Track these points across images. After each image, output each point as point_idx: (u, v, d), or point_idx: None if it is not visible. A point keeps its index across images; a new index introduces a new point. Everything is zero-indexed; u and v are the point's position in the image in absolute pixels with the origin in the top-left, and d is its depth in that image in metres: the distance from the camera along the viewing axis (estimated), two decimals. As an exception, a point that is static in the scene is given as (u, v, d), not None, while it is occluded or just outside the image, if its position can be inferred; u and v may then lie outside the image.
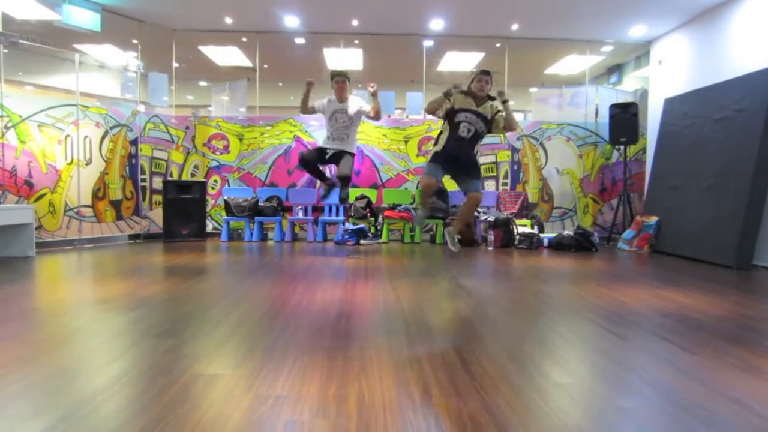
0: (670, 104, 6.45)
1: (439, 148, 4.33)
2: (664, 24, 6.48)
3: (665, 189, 6.19)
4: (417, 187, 7.32)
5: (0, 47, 5.39)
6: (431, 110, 4.36)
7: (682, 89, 6.31)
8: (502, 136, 7.14)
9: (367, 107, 5.25)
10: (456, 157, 4.27)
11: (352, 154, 5.30)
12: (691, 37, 6.27)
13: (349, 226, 6.68)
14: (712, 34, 5.87)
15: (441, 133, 4.41)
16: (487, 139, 7.34)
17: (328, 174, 5.91)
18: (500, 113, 4.34)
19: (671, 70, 6.65)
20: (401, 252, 5.88)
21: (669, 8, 5.94)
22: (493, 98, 4.35)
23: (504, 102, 4.32)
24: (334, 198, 5.73)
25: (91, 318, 2.71)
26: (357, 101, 5.29)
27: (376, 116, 5.32)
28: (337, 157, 5.17)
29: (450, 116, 4.29)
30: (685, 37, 6.40)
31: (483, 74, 4.30)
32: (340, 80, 5.19)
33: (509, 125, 4.39)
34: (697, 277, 4.28)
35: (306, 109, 5.27)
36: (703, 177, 5.54)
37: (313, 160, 5.27)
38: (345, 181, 5.18)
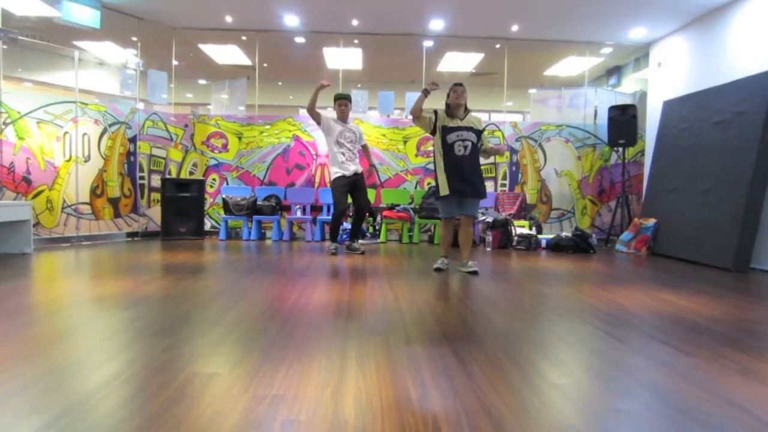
0: (669, 106, 6.46)
1: (442, 179, 4.25)
2: (663, 26, 6.49)
3: (663, 191, 6.20)
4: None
5: (-1, 43, 5.37)
6: (416, 112, 4.26)
7: (681, 92, 6.32)
8: (484, 132, 7.19)
9: (363, 141, 5.65)
10: (462, 176, 4.21)
11: (363, 174, 5.51)
12: (691, 40, 6.28)
13: (348, 225, 6.67)
14: (712, 37, 5.88)
15: (435, 163, 4.34)
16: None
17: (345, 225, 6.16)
18: (485, 133, 4.41)
19: (670, 73, 6.66)
20: (399, 252, 5.88)
21: (668, 11, 5.96)
22: (468, 110, 4.35)
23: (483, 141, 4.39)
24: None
25: (88, 316, 2.71)
26: (356, 128, 5.58)
27: (367, 157, 5.68)
28: (356, 183, 5.38)
29: (442, 140, 4.24)
30: (684, 40, 6.41)
31: (456, 86, 4.31)
32: (343, 102, 5.38)
33: (494, 152, 4.52)
34: (695, 280, 4.28)
35: (313, 109, 5.26)
36: (702, 179, 5.55)
37: (347, 205, 5.46)
38: (363, 213, 5.52)
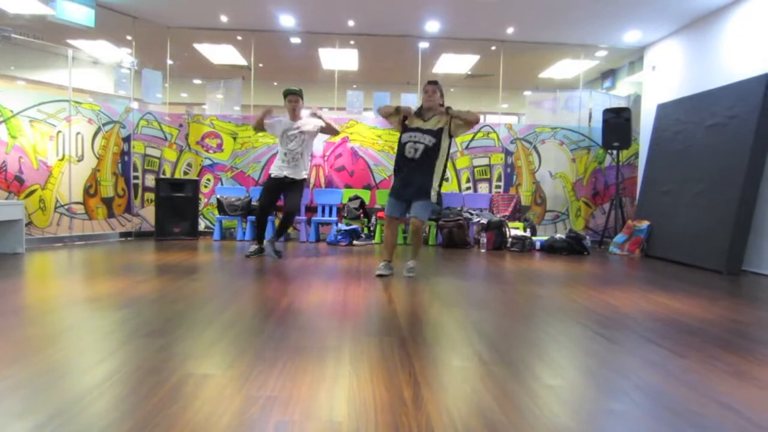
0: (663, 110, 6.49)
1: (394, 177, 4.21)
2: (657, 30, 6.53)
3: (657, 194, 6.23)
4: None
5: (-8, 41, 5.34)
6: (384, 113, 4.25)
7: (674, 95, 6.36)
8: (479, 134, 7.19)
9: (321, 123, 5.10)
10: (404, 180, 4.08)
11: (303, 181, 5.09)
12: (685, 44, 6.32)
13: (342, 226, 6.67)
14: (706, 41, 5.92)
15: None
16: (482, 142, 7.41)
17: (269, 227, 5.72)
18: (455, 119, 4.05)
19: (664, 76, 6.70)
20: (393, 253, 5.86)
21: (663, 15, 5.99)
22: (445, 107, 4.11)
23: (448, 109, 4.08)
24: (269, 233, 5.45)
25: (80, 316, 2.69)
26: (312, 120, 5.12)
27: (330, 130, 5.18)
28: (288, 186, 5.00)
29: (399, 139, 4.18)
30: (678, 44, 6.45)
31: (428, 85, 4.14)
32: (293, 98, 5.02)
33: (467, 119, 4.02)
34: (688, 282, 4.31)
35: (257, 128, 5.15)
36: (695, 182, 5.58)
37: (268, 204, 5.08)
38: (289, 217, 5.04)
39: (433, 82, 4.14)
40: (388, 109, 4.25)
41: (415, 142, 4.03)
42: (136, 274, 4.01)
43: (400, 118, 4.20)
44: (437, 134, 4.02)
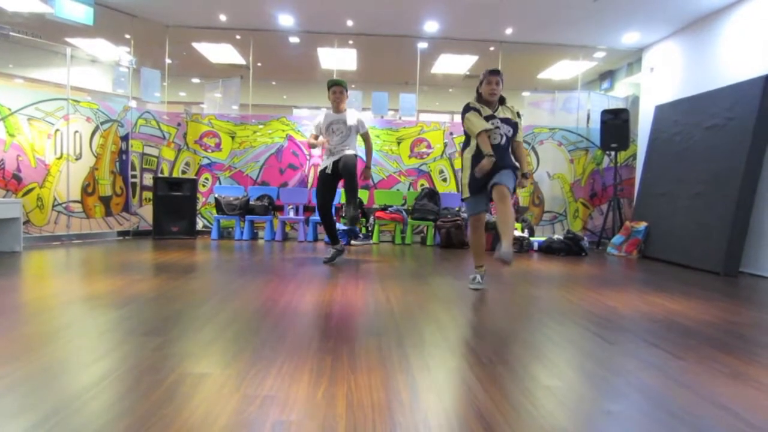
0: (661, 111, 6.50)
1: (469, 171, 3.66)
2: (656, 32, 6.54)
3: (655, 195, 6.25)
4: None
5: (-10, 39, 5.33)
6: (475, 129, 3.59)
7: (673, 96, 6.37)
8: None
9: (365, 127, 4.92)
10: (496, 167, 3.53)
11: (354, 155, 4.78)
12: (683, 46, 6.33)
13: (340, 226, 6.66)
14: (704, 43, 5.94)
15: (465, 157, 3.74)
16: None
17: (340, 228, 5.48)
18: (519, 123, 3.73)
19: (663, 78, 6.71)
20: (392, 253, 5.88)
21: (661, 16, 6.00)
22: (516, 111, 3.77)
23: (518, 113, 3.78)
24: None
25: (77, 315, 2.68)
26: (355, 114, 4.91)
27: (368, 146, 5.02)
28: (340, 166, 4.73)
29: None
30: (677, 45, 6.46)
31: (491, 74, 3.65)
32: (338, 89, 4.80)
33: (523, 165, 3.68)
34: (685, 283, 4.32)
35: (312, 146, 5.00)
36: (693, 184, 5.59)
37: (323, 203, 4.85)
38: (351, 192, 4.63)
39: (496, 71, 3.66)
40: (475, 120, 3.62)
41: (498, 127, 3.61)
42: (133, 272, 4.00)
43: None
44: (514, 126, 3.71)
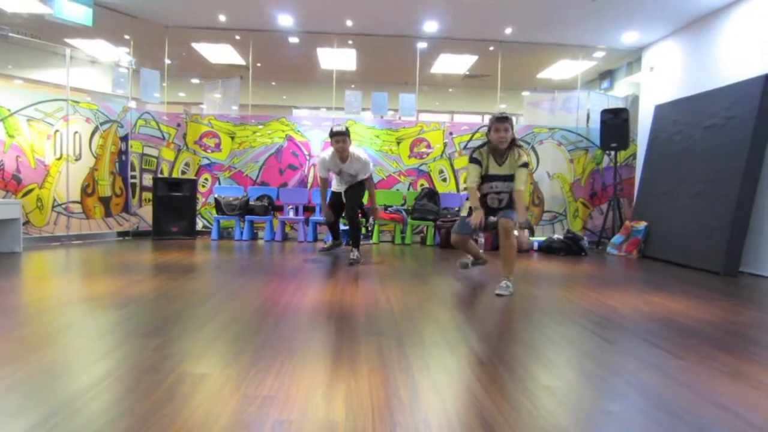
0: (661, 111, 6.50)
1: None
2: (656, 31, 6.54)
3: (654, 195, 6.25)
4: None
5: (-11, 40, 5.32)
6: (467, 183, 3.79)
7: (672, 96, 6.37)
8: (477, 134, 7.06)
9: (368, 172, 5.02)
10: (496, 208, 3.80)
11: (361, 183, 5.00)
12: (683, 45, 6.33)
13: (341, 226, 6.65)
14: (704, 43, 5.93)
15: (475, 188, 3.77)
16: (480, 142, 7.39)
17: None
18: (522, 168, 3.67)
19: (662, 77, 6.71)
20: (392, 253, 5.88)
21: (661, 15, 6.00)
22: (516, 144, 3.73)
23: (518, 144, 3.75)
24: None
25: (77, 316, 2.68)
26: (359, 158, 4.93)
27: (370, 190, 5.22)
28: (348, 192, 5.03)
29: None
30: (676, 45, 6.46)
31: (498, 122, 3.64)
32: (340, 139, 4.76)
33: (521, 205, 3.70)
34: (685, 283, 4.32)
35: (322, 183, 5.19)
36: (692, 183, 5.59)
37: (332, 221, 5.26)
38: (352, 225, 4.97)
39: (504, 118, 3.65)
40: (474, 178, 3.74)
41: (498, 193, 3.77)
42: (133, 273, 4.00)
43: (481, 173, 3.78)
44: (512, 178, 3.74)
